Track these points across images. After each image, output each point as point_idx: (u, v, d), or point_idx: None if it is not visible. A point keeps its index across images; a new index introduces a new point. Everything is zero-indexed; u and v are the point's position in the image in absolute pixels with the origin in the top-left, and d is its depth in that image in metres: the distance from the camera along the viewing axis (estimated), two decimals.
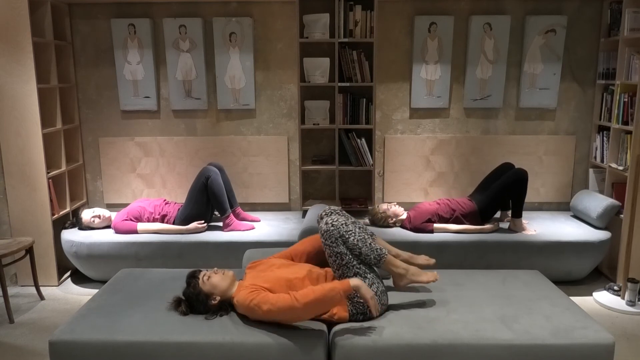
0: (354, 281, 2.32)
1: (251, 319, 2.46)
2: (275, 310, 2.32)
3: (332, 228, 2.49)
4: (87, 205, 4.55)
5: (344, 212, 2.64)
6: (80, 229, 3.96)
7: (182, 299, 2.58)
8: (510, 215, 3.90)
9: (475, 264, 3.71)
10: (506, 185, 3.78)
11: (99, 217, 3.95)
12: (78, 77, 4.37)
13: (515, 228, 3.87)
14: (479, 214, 3.85)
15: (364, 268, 2.50)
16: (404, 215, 3.97)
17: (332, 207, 2.64)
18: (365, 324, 2.45)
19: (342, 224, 2.51)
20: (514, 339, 2.33)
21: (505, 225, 3.98)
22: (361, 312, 2.48)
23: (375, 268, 2.60)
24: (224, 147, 4.44)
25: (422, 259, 2.77)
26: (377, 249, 2.53)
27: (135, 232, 3.81)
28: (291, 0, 4.17)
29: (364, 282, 2.43)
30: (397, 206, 3.98)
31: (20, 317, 3.51)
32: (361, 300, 2.44)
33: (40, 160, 3.85)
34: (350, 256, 2.48)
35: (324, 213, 2.61)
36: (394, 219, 3.94)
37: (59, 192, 4.13)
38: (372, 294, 2.34)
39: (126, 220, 3.85)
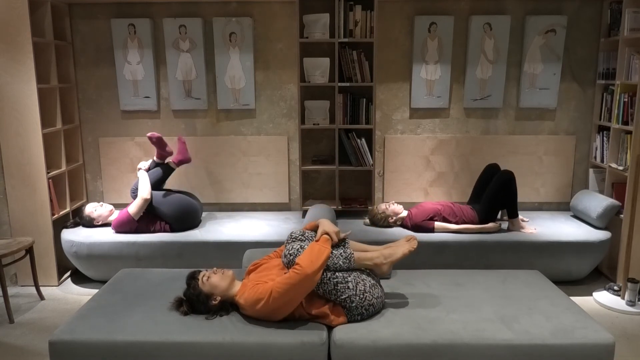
0: (322, 229, 2.53)
1: (255, 318, 2.47)
2: (285, 289, 2.34)
3: (291, 258, 2.48)
4: None
5: (305, 233, 2.62)
6: (83, 224, 3.98)
7: (183, 300, 2.58)
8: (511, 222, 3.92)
9: (475, 264, 3.71)
10: (495, 191, 3.80)
11: (101, 205, 4.01)
12: (78, 77, 4.37)
13: (514, 228, 3.87)
14: (480, 224, 3.86)
15: (341, 275, 2.46)
16: (404, 213, 3.97)
17: (292, 233, 2.63)
18: (365, 324, 2.45)
19: (297, 249, 2.49)
20: (514, 339, 2.34)
21: (505, 225, 3.98)
22: (358, 314, 2.48)
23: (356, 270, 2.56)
24: (224, 147, 4.44)
25: (402, 242, 2.70)
26: (341, 252, 2.50)
27: (130, 218, 3.79)
28: (291, 0, 4.17)
29: (347, 286, 2.43)
30: (395, 204, 3.98)
31: (20, 317, 3.51)
32: (353, 304, 2.44)
33: (40, 160, 3.85)
34: (323, 272, 2.44)
35: (285, 244, 2.61)
36: (394, 218, 3.94)
37: (59, 192, 4.13)
38: (334, 229, 2.53)
39: (121, 213, 3.87)
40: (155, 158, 4.02)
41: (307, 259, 2.38)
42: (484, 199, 3.86)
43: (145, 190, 3.80)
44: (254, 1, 4.22)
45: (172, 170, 4.00)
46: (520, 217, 3.96)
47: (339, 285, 2.43)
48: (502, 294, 2.78)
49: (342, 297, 2.44)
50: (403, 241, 2.68)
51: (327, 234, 2.52)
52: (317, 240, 2.50)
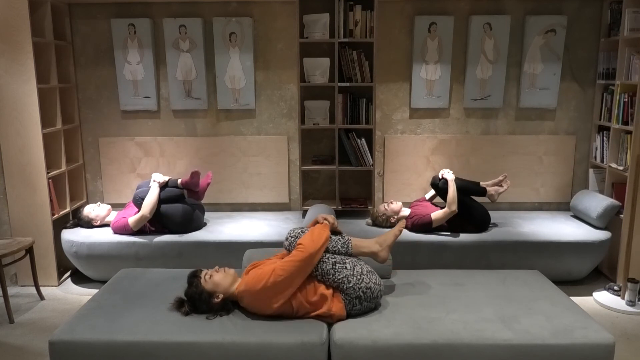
0: (321, 215, 2.68)
1: (252, 308, 2.49)
2: (288, 267, 2.42)
3: (292, 240, 2.60)
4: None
5: (303, 229, 2.66)
6: (81, 225, 3.98)
7: (184, 300, 2.59)
8: (487, 197, 3.99)
9: (475, 264, 3.71)
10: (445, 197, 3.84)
11: (98, 205, 4.01)
12: (78, 77, 4.37)
13: (493, 199, 3.98)
14: (471, 221, 3.86)
15: (339, 257, 2.56)
16: (404, 212, 3.96)
17: (293, 229, 2.68)
18: (365, 324, 2.45)
19: (299, 232, 2.61)
20: (514, 339, 2.34)
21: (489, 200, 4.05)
22: (356, 297, 2.50)
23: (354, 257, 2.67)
24: (224, 147, 4.44)
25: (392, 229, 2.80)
26: (339, 238, 2.63)
27: (128, 227, 3.78)
28: (291, 0, 4.17)
29: (344, 266, 2.52)
30: (393, 203, 3.98)
31: (20, 317, 3.51)
32: (350, 284, 2.49)
33: (40, 160, 3.85)
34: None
35: (285, 240, 2.68)
36: (396, 217, 3.93)
37: (59, 192, 4.13)
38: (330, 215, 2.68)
39: (122, 219, 3.85)
40: (179, 182, 3.92)
41: (309, 238, 2.49)
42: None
43: (148, 208, 3.73)
44: (254, 1, 4.22)
45: (184, 198, 3.95)
46: (491, 188, 4.00)
47: (337, 265, 2.51)
48: (502, 294, 2.78)
49: (340, 277, 2.49)
50: (394, 227, 2.81)
51: (325, 219, 2.65)
52: (318, 227, 2.62)
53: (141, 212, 3.74)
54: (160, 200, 3.81)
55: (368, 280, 2.53)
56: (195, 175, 3.89)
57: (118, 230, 3.82)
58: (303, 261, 2.43)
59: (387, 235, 2.74)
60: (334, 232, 2.69)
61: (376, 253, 2.67)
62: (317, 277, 2.51)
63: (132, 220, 3.77)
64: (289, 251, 2.59)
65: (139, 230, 3.81)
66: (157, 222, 3.84)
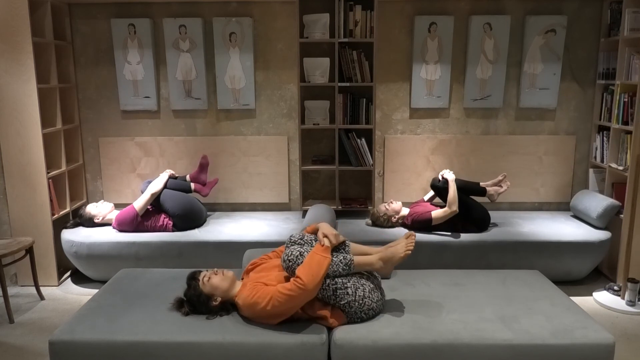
0: (322, 232, 2.52)
1: (254, 320, 2.47)
2: (285, 299, 2.33)
3: (290, 264, 2.44)
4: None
5: (304, 237, 2.59)
6: (82, 223, 3.99)
7: (184, 300, 2.58)
8: (487, 197, 4.01)
9: (475, 264, 3.71)
10: (444, 197, 3.84)
11: (101, 202, 4.06)
12: (78, 77, 4.37)
13: (493, 198, 3.99)
14: (472, 219, 3.86)
15: (340, 280, 2.44)
16: (404, 211, 3.97)
17: (291, 237, 2.60)
18: (365, 324, 2.45)
19: (297, 256, 2.44)
20: (514, 339, 2.34)
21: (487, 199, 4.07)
22: (358, 317, 2.47)
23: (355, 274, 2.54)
24: (224, 147, 4.44)
25: (401, 240, 2.63)
26: (340, 260, 2.46)
27: (133, 211, 3.83)
28: (291, 0, 4.17)
29: (346, 292, 2.42)
30: (394, 202, 3.98)
31: (20, 317, 3.51)
32: (352, 309, 2.43)
33: (40, 160, 3.85)
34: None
35: (285, 247, 2.59)
36: (396, 217, 3.94)
37: (59, 192, 4.13)
38: (333, 231, 2.52)
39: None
40: (188, 177, 4.16)
41: (308, 272, 2.34)
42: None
43: (156, 187, 3.90)
44: (254, 1, 4.22)
45: (190, 190, 4.12)
46: (490, 188, 4.01)
47: (338, 291, 2.42)
48: (502, 294, 2.78)
49: (341, 303, 2.43)
50: (402, 239, 2.61)
51: (326, 237, 2.50)
52: (321, 245, 2.47)
53: (148, 190, 3.88)
54: (167, 187, 3.98)
55: (370, 302, 2.47)
56: (204, 158, 4.11)
57: (121, 221, 3.84)
58: (301, 296, 2.33)
59: (393, 254, 2.53)
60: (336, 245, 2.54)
61: (378, 270, 2.55)
62: (318, 298, 2.46)
63: (137, 202, 3.86)
64: (287, 273, 2.48)
65: (140, 227, 3.85)
66: (158, 208, 3.95)
